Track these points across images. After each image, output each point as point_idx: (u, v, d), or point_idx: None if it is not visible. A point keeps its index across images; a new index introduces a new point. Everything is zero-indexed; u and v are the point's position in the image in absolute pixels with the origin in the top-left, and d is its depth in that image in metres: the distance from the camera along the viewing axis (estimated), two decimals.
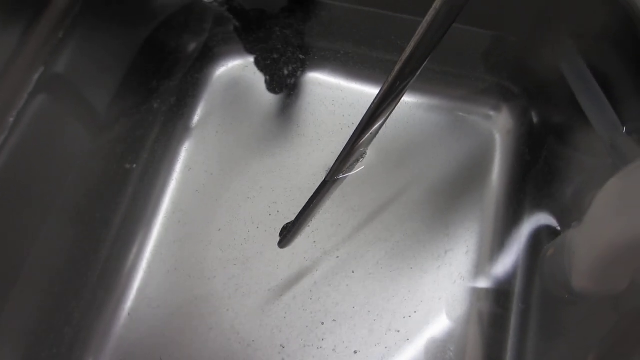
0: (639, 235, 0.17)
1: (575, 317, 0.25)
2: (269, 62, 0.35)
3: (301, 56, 0.36)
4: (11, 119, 0.24)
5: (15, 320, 0.27)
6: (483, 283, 0.31)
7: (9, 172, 0.24)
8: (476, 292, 0.31)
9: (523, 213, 0.33)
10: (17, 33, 0.25)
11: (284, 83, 0.36)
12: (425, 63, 0.23)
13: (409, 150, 0.34)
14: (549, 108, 0.35)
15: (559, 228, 0.30)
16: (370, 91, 0.37)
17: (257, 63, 0.35)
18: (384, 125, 0.24)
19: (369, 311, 0.31)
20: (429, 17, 0.22)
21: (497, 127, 0.36)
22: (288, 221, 0.29)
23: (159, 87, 0.36)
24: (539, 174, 0.33)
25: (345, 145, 0.24)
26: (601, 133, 0.25)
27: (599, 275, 0.20)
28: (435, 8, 0.22)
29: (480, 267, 0.32)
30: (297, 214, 0.25)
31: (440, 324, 0.30)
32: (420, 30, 0.22)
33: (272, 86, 0.36)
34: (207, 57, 0.37)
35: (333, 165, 0.23)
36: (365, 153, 0.23)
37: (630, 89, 0.27)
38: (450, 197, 0.33)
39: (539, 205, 0.32)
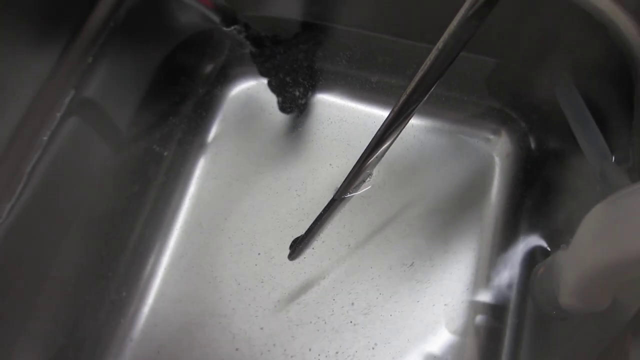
0: (619, 258, 0.19)
1: (563, 333, 0.27)
2: (281, 84, 0.37)
3: (311, 79, 0.38)
4: (45, 138, 0.26)
5: (45, 320, 0.29)
6: (480, 297, 0.33)
7: (44, 186, 0.26)
8: (474, 306, 0.33)
9: (519, 233, 0.35)
10: (51, 59, 0.28)
11: (295, 104, 0.38)
12: (433, 89, 0.25)
13: (412, 170, 0.36)
14: (546, 134, 0.37)
15: (549, 249, 0.32)
16: (374, 112, 0.40)
17: (270, 85, 0.38)
18: (385, 150, 0.26)
19: (371, 320, 0.33)
20: (438, 46, 0.23)
21: (497, 150, 0.38)
22: (296, 234, 0.31)
23: (177, 105, 0.38)
24: (535, 196, 0.35)
25: (353, 167, 0.26)
26: (591, 160, 0.26)
27: (583, 294, 0.22)
28: (444, 39, 0.24)
29: (478, 282, 0.33)
30: (306, 229, 0.27)
31: (439, 335, 0.32)
32: (429, 58, 0.24)
33: (283, 106, 0.39)
34: (223, 78, 0.40)
35: (341, 185, 0.25)
36: (371, 174, 0.25)
37: (620, 120, 0.29)
38: (451, 215, 0.35)
39: (534, 226, 0.34)
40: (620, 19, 0.30)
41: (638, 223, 0.18)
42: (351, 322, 0.32)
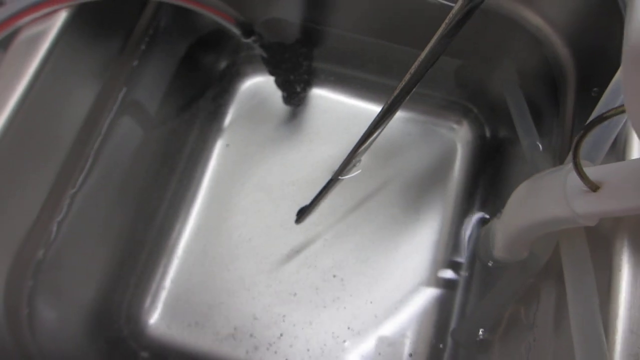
0: (531, 223, 0.27)
1: (498, 279, 0.35)
2: (285, 81, 0.44)
3: (309, 76, 0.45)
4: (104, 127, 0.33)
5: (98, 266, 0.36)
6: (442, 255, 0.41)
7: (102, 163, 0.33)
8: (437, 261, 0.41)
9: (474, 205, 0.42)
10: (108, 62, 0.34)
11: (297, 97, 0.45)
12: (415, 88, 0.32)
13: (390, 154, 0.44)
14: (498, 125, 0.44)
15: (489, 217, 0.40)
16: (361, 105, 0.46)
17: (276, 81, 0.44)
18: (374, 139, 0.33)
19: (354, 271, 0.41)
20: (420, 58, 0.30)
21: (459, 138, 0.45)
22: (299, 205, 0.38)
23: (197, 96, 0.44)
24: (487, 176, 0.43)
25: (349, 154, 0.32)
26: (525, 147, 0.34)
27: (509, 248, 0.30)
28: (425, 53, 0.30)
29: (440, 242, 0.42)
30: (310, 201, 0.35)
31: (407, 285, 0.40)
32: (413, 67, 0.29)
33: (287, 100, 0.45)
34: (237, 74, 0.47)
35: (338, 168, 0.32)
36: (360, 160, 0.32)
37: (549, 114, 0.37)
38: (421, 190, 0.43)
39: (485, 199, 0.42)
40: (551, 36, 0.38)
41: (544, 197, 0.26)
42: (344, 271, 0.40)
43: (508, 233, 0.28)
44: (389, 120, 0.31)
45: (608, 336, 0.23)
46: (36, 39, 0.28)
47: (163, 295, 0.39)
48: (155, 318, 0.38)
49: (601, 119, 0.21)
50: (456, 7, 0.26)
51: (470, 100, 0.46)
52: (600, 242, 0.25)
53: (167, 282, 0.39)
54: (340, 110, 0.45)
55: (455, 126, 0.46)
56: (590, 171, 0.23)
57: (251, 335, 0.38)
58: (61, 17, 0.29)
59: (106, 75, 0.34)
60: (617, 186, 0.23)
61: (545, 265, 0.29)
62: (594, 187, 0.23)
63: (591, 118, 0.26)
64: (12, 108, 0.27)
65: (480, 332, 0.35)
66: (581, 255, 0.25)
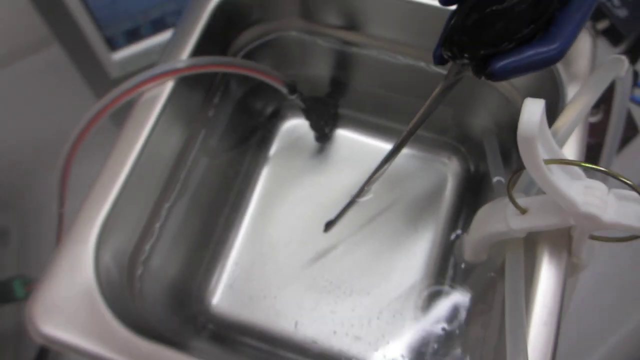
0: (487, 234, 0.39)
1: (468, 276, 0.47)
2: (316, 124, 0.53)
3: (335, 120, 0.55)
4: (190, 159, 0.46)
5: (178, 258, 0.46)
6: (434, 259, 0.51)
7: (187, 182, 0.46)
8: (429, 265, 0.50)
9: (458, 223, 0.52)
10: (192, 113, 0.45)
11: (325, 137, 0.55)
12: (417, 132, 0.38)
13: (396, 182, 0.53)
14: (479, 162, 0.53)
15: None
16: (377, 144, 0.56)
17: (310, 124, 0.54)
18: (386, 170, 0.42)
19: (363, 272, 0.51)
20: (420, 112, 0.36)
21: (449, 171, 0.54)
22: (325, 219, 0.49)
23: (250, 132, 0.55)
24: (469, 202, 0.52)
25: (365, 181, 0.42)
26: (493, 182, 0.46)
27: (473, 253, 0.42)
28: (424, 108, 0.36)
29: (433, 250, 0.51)
30: (335, 215, 0.47)
31: (406, 282, 0.50)
32: (415, 117, 0.36)
33: (317, 138, 0.55)
34: (279, 117, 0.57)
35: (357, 192, 0.44)
36: (370, 188, 0.44)
37: (515, 156, 0.47)
38: (419, 210, 0.52)
39: (467, 219, 0.51)
40: (517, 97, 0.46)
41: (494, 217, 0.38)
42: (355, 269, 0.51)
43: (473, 242, 0.40)
44: (396, 157, 0.40)
45: (528, 310, 0.33)
46: (153, 99, 0.39)
47: (223, 281, 0.50)
48: (217, 298, 0.49)
49: (521, 169, 0.33)
50: (439, 87, 0.38)
51: (459, 141, 0.55)
52: (529, 246, 0.37)
53: (226, 272, 0.50)
54: (358, 147, 0.56)
55: (447, 161, 0.56)
56: (521, 201, 0.35)
57: (285, 314, 0.50)
58: (169, 85, 0.40)
59: (191, 124, 0.44)
60: (537, 211, 0.34)
61: (500, 264, 0.41)
62: (522, 211, 0.35)
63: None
64: (139, 148, 0.37)
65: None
66: (518, 256, 0.37)
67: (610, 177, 0.30)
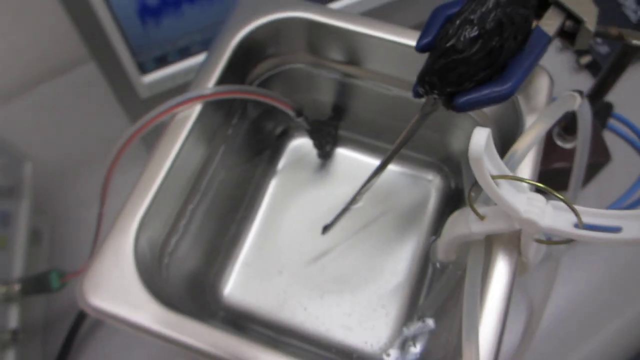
0: (454, 236, 0.46)
1: (442, 273, 0.55)
2: (319, 143, 0.58)
3: (336, 141, 0.60)
4: (211, 171, 0.54)
5: (196, 252, 0.51)
6: (416, 262, 0.57)
7: (208, 190, 0.54)
8: (412, 266, 0.56)
9: (439, 231, 0.55)
10: (214, 131, 0.51)
11: (327, 155, 0.60)
12: (401, 150, 0.43)
13: (387, 194, 0.59)
14: (458, 180, 0.57)
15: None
16: (371, 161, 0.61)
17: (313, 143, 0.59)
18: (375, 182, 0.47)
19: (361, 273, 0.58)
20: (403, 134, 0.40)
21: (433, 187, 0.59)
22: (324, 223, 0.54)
23: (261, 149, 0.60)
24: (449, 213, 0.57)
25: (356, 192, 0.47)
26: (466, 195, 0.54)
27: (444, 254, 0.50)
28: (406, 130, 0.40)
29: (416, 253, 0.56)
30: (331, 220, 0.55)
31: (392, 281, 0.55)
32: (398, 139, 0.41)
33: (320, 155, 0.60)
34: (287, 136, 0.62)
35: (349, 201, 0.52)
36: (362, 197, 0.52)
37: None
38: (406, 219, 0.57)
39: None
40: (487, 122, 0.49)
41: (460, 222, 0.45)
42: (348, 267, 0.56)
43: (443, 243, 0.48)
44: (382, 172, 0.45)
45: (482, 298, 0.37)
46: (184, 119, 0.44)
47: (234, 274, 0.56)
48: (228, 290, 0.55)
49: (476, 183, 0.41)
50: (416, 116, 0.46)
51: (442, 162, 0.60)
52: (488, 247, 0.44)
53: (238, 266, 0.56)
54: (354, 164, 0.61)
55: (431, 178, 0.61)
56: (481, 209, 0.42)
57: (287, 305, 0.58)
58: (197, 108, 0.45)
59: (213, 141, 0.49)
60: (492, 217, 0.40)
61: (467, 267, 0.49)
62: (481, 217, 0.41)
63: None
64: (172, 160, 0.42)
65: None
66: (479, 254, 0.41)
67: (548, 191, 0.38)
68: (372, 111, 0.58)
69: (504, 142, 0.44)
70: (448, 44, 0.36)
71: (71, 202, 0.74)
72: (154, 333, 0.39)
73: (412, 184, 0.61)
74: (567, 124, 0.60)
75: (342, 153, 0.63)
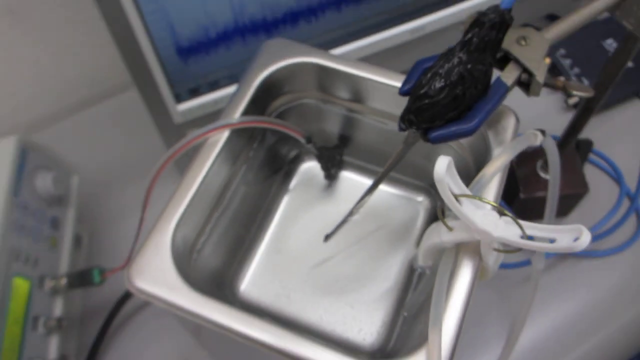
0: (430, 244, 0.56)
1: (423, 276, 0.64)
2: (326, 166, 0.63)
3: (341, 165, 0.66)
4: (234, 186, 0.64)
5: (219, 253, 0.57)
6: (404, 269, 0.62)
7: (230, 202, 0.65)
8: (401, 272, 0.61)
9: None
10: (237, 153, 0.62)
11: (332, 177, 0.66)
12: (390, 172, 0.49)
13: (380, 212, 0.64)
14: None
15: None
16: (368, 181, 0.66)
17: (321, 167, 0.64)
18: (369, 199, 0.56)
19: (357, 277, 0.63)
20: (392, 157, 0.46)
21: (422, 207, 0.65)
22: (328, 232, 0.63)
23: (276, 170, 0.66)
24: None
25: (353, 206, 0.57)
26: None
27: (423, 259, 0.59)
28: (393, 156, 0.46)
29: (404, 261, 0.62)
30: (332, 230, 0.64)
31: (384, 284, 0.61)
32: (387, 164, 0.46)
33: (326, 177, 0.66)
34: (299, 159, 0.68)
35: (347, 214, 0.62)
36: (358, 211, 0.62)
37: None
38: (397, 234, 0.62)
39: None
40: (465, 152, 0.55)
41: (434, 233, 0.54)
42: (352, 275, 0.62)
43: (421, 251, 0.58)
44: (375, 190, 0.52)
45: (447, 296, 0.42)
46: (215, 143, 0.50)
47: (250, 273, 0.62)
48: (244, 287, 0.61)
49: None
50: (400, 147, 0.54)
51: (430, 185, 0.66)
52: (457, 254, 0.53)
53: (253, 267, 0.62)
54: (356, 185, 0.67)
55: (420, 199, 0.67)
56: (450, 223, 0.51)
57: (294, 303, 0.67)
58: (225, 134, 0.51)
59: (237, 162, 0.55)
60: (459, 229, 0.47)
61: None
62: (450, 229, 0.49)
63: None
64: (202, 177, 0.49)
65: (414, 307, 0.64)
66: (449, 260, 0.46)
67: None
68: (371, 141, 0.65)
69: (478, 167, 0.49)
70: (422, 91, 0.45)
71: (108, 213, 0.84)
72: (185, 310, 0.48)
73: (404, 204, 0.67)
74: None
75: (346, 175, 0.70)
